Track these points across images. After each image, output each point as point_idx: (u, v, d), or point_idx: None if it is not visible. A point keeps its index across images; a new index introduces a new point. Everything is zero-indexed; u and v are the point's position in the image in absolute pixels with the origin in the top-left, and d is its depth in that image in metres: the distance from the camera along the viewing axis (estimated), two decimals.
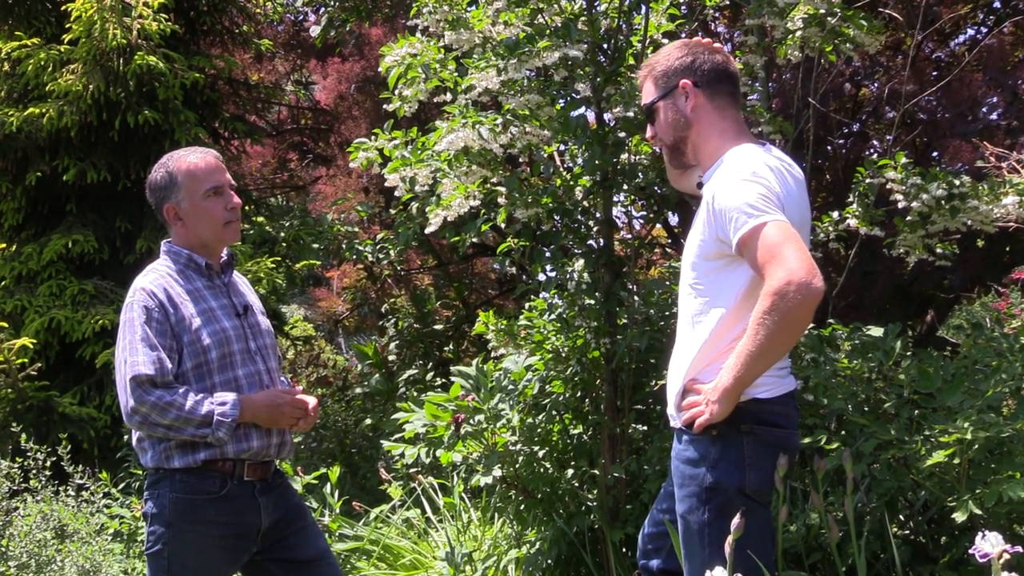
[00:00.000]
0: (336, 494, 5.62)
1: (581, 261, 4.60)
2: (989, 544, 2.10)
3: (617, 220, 5.09)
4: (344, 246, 8.64)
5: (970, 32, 8.62)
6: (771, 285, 2.64)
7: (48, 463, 5.62)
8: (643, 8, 4.57)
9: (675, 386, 2.97)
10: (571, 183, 4.52)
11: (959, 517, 3.64)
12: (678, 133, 3.04)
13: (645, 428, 4.84)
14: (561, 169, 4.72)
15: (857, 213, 4.67)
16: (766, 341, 2.67)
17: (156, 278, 3.15)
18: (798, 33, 4.52)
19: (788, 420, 2.93)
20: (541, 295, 4.81)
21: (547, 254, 4.52)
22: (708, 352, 2.87)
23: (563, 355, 4.69)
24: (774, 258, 2.66)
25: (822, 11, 4.40)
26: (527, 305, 4.94)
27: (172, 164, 3.22)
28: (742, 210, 2.74)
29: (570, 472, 4.81)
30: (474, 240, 5.29)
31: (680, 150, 3.07)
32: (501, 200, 4.41)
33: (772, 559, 2.92)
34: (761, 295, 2.67)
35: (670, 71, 3.03)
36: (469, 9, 4.61)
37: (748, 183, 2.79)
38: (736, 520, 2.56)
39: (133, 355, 3.02)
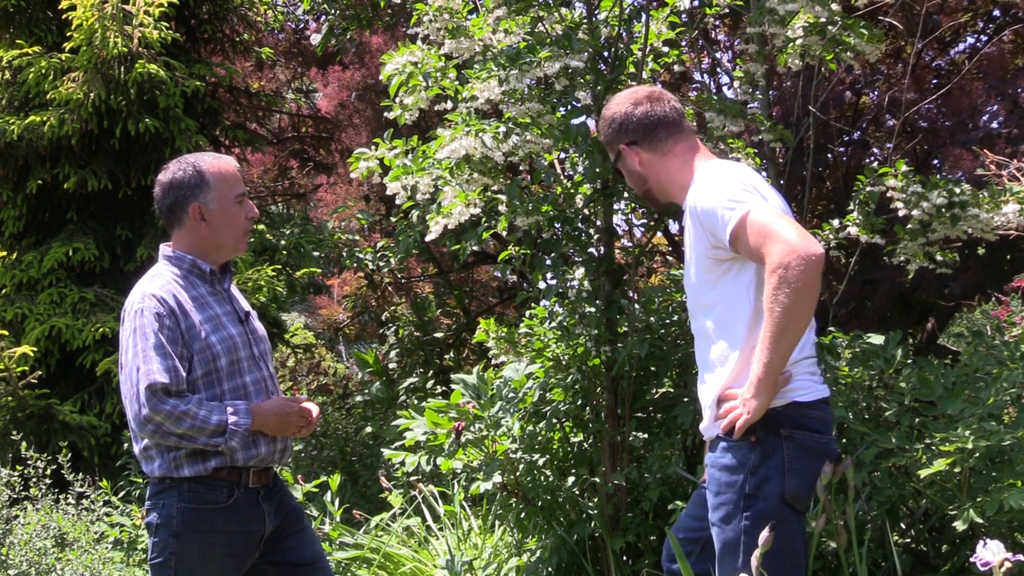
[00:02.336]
0: (336, 502, 5.61)
1: (582, 269, 4.60)
2: (990, 552, 2.10)
3: (618, 228, 5.10)
4: (345, 254, 8.64)
5: (970, 40, 8.63)
6: (772, 261, 2.69)
7: (48, 471, 5.62)
8: (643, 16, 4.58)
9: (709, 397, 2.98)
10: (572, 191, 4.52)
11: (960, 525, 3.64)
12: (641, 187, 3.20)
13: (646, 436, 4.83)
14: (562, 177, 4.73)
15: (858, 221, 4.67)
16: (783, 316, 2.69)
17: (163, 283, 3.12)
18: (799, 41, 4.53)
19: (826, 426, 2.95)
20: (542, 303, 4.81)
21: (548, 262, 4.51)
22: (741, 357, 2.88)
23: (563, 363, 4.69)
24: (768, 237, 2.71)
25: (823, 19, 4.40)
26: (528, 313, 4.94)
27: (203, 164, 3.19)
28: (725, 206, 2.82)
29: (571, 480, 4.80)
30: (475, 248, 5.28)
31: (651, 197, 3.22)
32: (502, 208, 4.41)
33: (804, 571, 2.91)
34: (765, 275, 2.71)
35: (609, 139, 3.19)
36: (469, 17, 4.62)
37: (723, 181, 2.90)
38: (764, 533, 2.57)
39: (147, 363, 2.98)
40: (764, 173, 3.10)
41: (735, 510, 2.86)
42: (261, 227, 8.80)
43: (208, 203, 3.17)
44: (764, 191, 2.91)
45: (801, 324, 2.75)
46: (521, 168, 5.74)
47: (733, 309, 2.90)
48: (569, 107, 4.47)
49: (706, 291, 2.96)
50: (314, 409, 3.27)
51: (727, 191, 2.84)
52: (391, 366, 9.66)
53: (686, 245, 3.04)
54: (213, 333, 3.11)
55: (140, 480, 6.57)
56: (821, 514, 3.08)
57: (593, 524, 4.68)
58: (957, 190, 4.46)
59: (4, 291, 7.94)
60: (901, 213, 4.56)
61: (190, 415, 2.98)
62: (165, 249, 3.24)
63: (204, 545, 3.09)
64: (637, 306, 4.65)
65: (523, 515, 4.92)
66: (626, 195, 4.61)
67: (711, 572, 3.00)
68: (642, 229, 5.58)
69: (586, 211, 4.58)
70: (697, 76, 8.16)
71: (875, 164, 6.15)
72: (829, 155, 8.12)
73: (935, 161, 8.02)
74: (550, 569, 4.76)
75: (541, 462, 4.77)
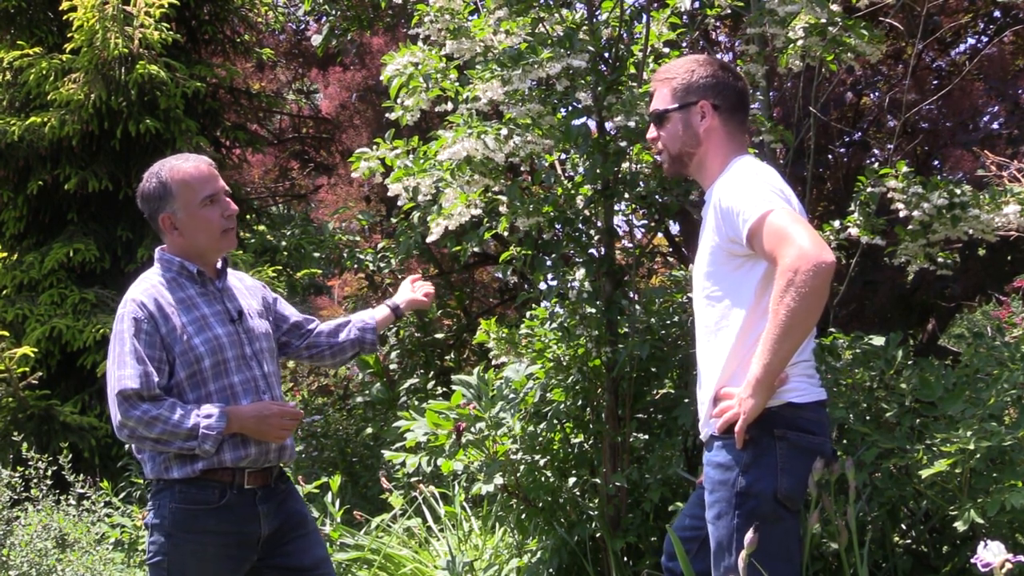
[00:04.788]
0: (337, 503, 5.61)
1: (582, 270, 4.60)
2: (991, 553, 2.10)
3: (618, 229, 5.10)
4: (345, 255, 8.65)
5: (971, 41, 8.64)
6: (783, 264, 2.69)
7: (49, 472, 5.62)
8: (644, 17, 4.58)
9: (706, 395, 2.99)
10: (572, 192, 4.53)
11: (961, 526, 3.64)
12: (685, 148, 3.09)
13: (646, 437, 4.83)
14: (562, 178, 4.73)
15: (858, 222, 4.67)
16: (787, 319, 2.70)
17: (147, 287, 3.14)
18: (799, 42, 4.53)
19: (820, 428, 2.95)
20: (542, 304, 4.81)
21: (548, 263, 4.52)
22: (736, 356, 2.90)
23: (564, 364, 4.69)
24: (783, 240, 2.72)
25: (823, 20, 4.41)
26: (528, 314, 4.94)
27: (165, 173, 3.18)
28: (747, 203, 2.82)
29: (571, 481, 4.80)
30: (476, 249, 5.29)
31: (683, 162, 3.13)
32: (503, 209, 4.41)
33: (798, 570, 2.92)
34: (776, 277, 2.71)
35: (692, 86, 3.06)
36: (470, 18, 4.62)
37: (751, 181, 2.89)
38: (750, 534, 2.57)
39: (121, 368, 3.01)
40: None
41: (728, 508, 2.87)
42: (261, 228, 8.79)
43: (175, 212, 3.18)
44: (789, 195, 2.92)
45: (804, 329, 2.75)
46: (522, 169, 5.74)
47: (737, 304, 2.91)
48: (570, 108, 4.47)
49: (715, 281, 2.96)
50: (297, 412, 3.24)
51: (752, 190, 2.85)
52: (392, 367, 9.65)
53: (701, 235, 3.05)
54: (197, 335, 3.12)
55: (141, 481, 6.57)
56: (815, 510, 3.09)
57: (594, 525, 4.68)
58: (958, 191, 4.46)
59: (5, 292, 7.94)
60: (902, 214, 4.56)
61: (161, 420, 2.98)
62: (158, 252, 3.27)
63: (197, 545, 3.09)
64: (638, 307, 4.65)
65: (524, 516, 4.92)
66: (627, 196, 4.61)
67: (709, 571, 3.00)
68: (643, 230, 5.58)
69: (587, 212, 4.58)
70: None
71: (876, 165, 6.14)
72: (830, 156, 8.13)
73: (936, 162, 8.03)
74: (551, 570, 4.76)
75: (542, 463, 4.77)
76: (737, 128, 3.09)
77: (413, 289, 3.70)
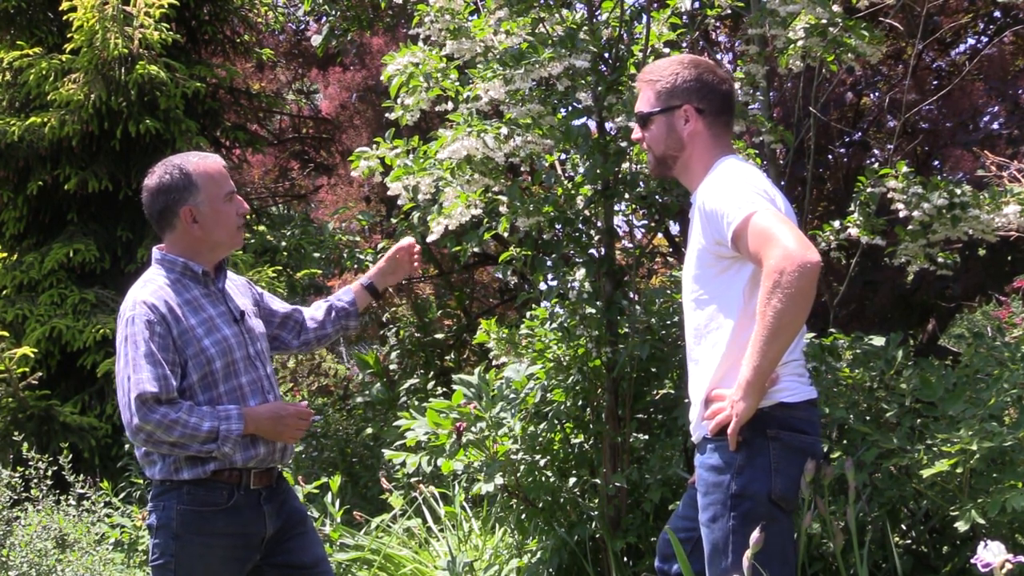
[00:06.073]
0: (337, 503, 5.61)
1: (582, 270, 4.60)
2: (991, 554, 2.10)
3: (618, 229, 5.10)
4: (345, 255, 8.65)
5: (971, 41, 8.63)
6: (769, 265, 2.69)
7: (49, 472, 5.62)
8: (644, 18, 4.58)
9: (697, 398, 2.98)
10: (572, 192, 4.53)
11: (961, 527, 3.63)
12: (669, 151, 3.08)
13: (646, 437, 4.83)
14: (562, 178, 4.73)
15: (858, 222, 4.68)
16: (775, 321, 2.69)
17: (154, 289, 3.11)
18: (800, 43, 4.53)
19: (812, 427, 2.95)
20: (542, 304, 4.81)
21: (548, 263, 4.51)
22: (726, 359, 2.90)
23: (564, 364, 4.69)
24: (767, 241, 2.72)
25: (824, 21, 4.41)
26: (528, 314, 4.94)
27: (189, 166, 3.17)
28: (731, 206, 2.81)
29: (571, 481, 4.80)
30: (476, 249, 5.28)
31: (667, 164, 3.12)
32: (503, 209, 4.41)
33: (793, 570, 2.92)
34: (761, 278, 2.71)
35: (675, 90, 3.04)
36: (471, 19, 4.62)
37: (735, 182, 2.88)
38: (755, 535, 2.57)
39: (137, 372, 2.98)
40: (765, 174, 3.09)
41: (722, 510, 2.87)
42: (261, 228, 8.80)
43: (199, 205, 3.16)
44: (773, 195, 2.91)
45: (792, 330, 2.74)
46: (522, 169, 5.74)
47: (725, 307, 2.90)
48: (570, 108, 4.47)
49: (702, 284, 2.96)
50: (309, 413, 3.26)
51: (736, 192, 2.84)
52: (392, 367, 9.65)
53: (689, 238, 3.04)
54: (207, 336, 3.11)
55: (140, 481, 6.57)
56: (807, 511, 3.09)
57: (594, 525, 4.68)
58: (958, 191, 4.46)
59: (5, 292, 7.94)
60: (902, 214, 4.56)
61: (180, 423, 2.97)
62: (157, 252, 3.23)
63: (204, 547, 3.09)
64: (638, 307, 4.65)
65: (524, 516, 4.92)
66: (627, 196, 4.61)
67: (703, 572, 3.01)
68: (643, 230, 5.58)
69: (587, 212, 4.58)
70: None
71: (876, 165, 6.15)
72: (830, 156, 8.12)
73: (936, 162, 8.03)
74: (551, 570, 4.76)
75: (542, 463, 4.77)
76: (722, 130, 3.07)
77: (398, 258, 3.65)
